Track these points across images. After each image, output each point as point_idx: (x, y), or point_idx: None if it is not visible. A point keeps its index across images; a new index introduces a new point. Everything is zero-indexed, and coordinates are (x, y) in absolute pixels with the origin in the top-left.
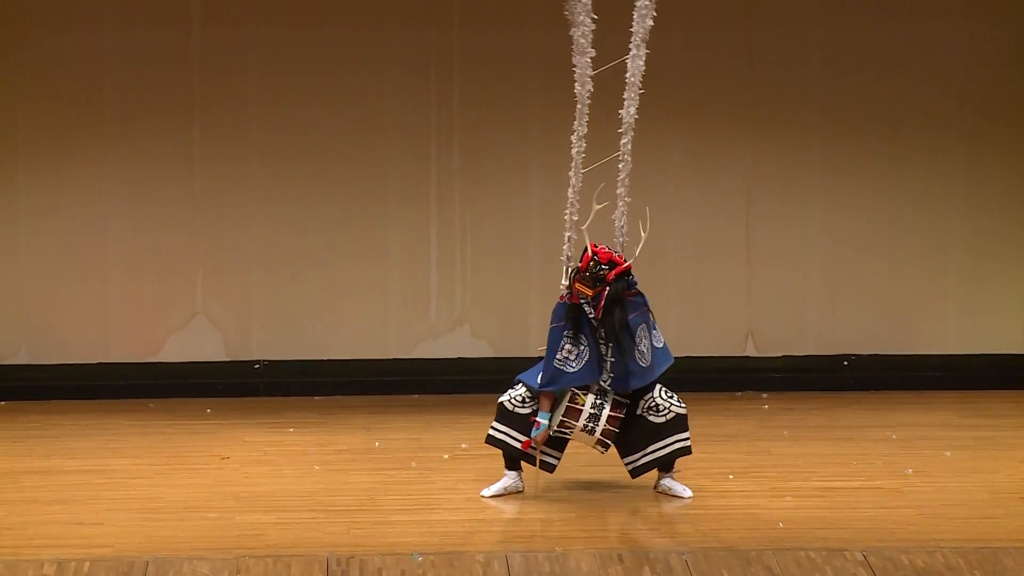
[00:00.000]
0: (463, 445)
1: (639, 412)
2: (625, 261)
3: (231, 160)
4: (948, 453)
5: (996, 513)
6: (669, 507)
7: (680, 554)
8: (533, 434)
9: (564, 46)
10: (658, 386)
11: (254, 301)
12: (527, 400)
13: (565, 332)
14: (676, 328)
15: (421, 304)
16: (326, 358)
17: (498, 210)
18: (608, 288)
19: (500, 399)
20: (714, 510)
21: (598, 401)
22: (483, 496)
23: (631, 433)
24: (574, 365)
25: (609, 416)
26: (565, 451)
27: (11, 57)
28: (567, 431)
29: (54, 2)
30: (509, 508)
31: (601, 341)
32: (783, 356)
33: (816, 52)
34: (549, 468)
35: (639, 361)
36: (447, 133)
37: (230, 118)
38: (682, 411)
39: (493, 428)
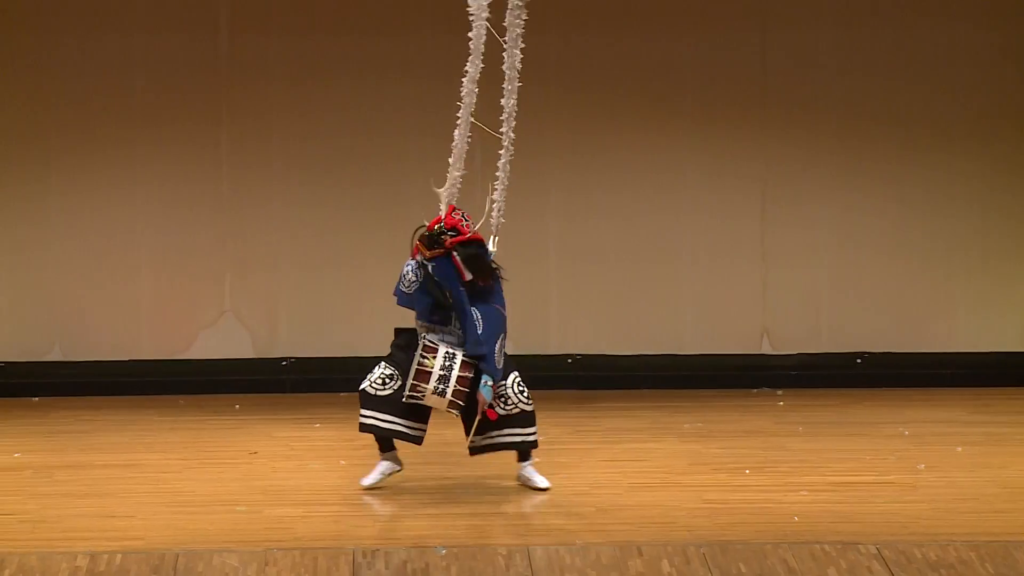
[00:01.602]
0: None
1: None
2: (471, 233)
3: (258, 163)
4: (959, 449)
5: (1007, 507)
6: (687, 502)
7: (698, 547)
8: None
9: (582, 51)
10: (513, 375)
11: (281, 300)
12: (387, 381)
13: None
14: (693, 326)
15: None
16: (351, 355)
17: (518, 211)
18: (455, 252)
19: (361, 386)
20: (731, 504)
21: (447, 363)
22: (363, 485)
23: (478, 422)
24: (405, 288)
25: (459, 377)
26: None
27: (44, 61)
28: (419, 394)
29: (86, 8)
30: (529, 502)
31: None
32: (798, 354)
33: (828, 56)
34: (417, 441)
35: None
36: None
37: (257, 122)
38: (528, 408)
39: (362, 415)
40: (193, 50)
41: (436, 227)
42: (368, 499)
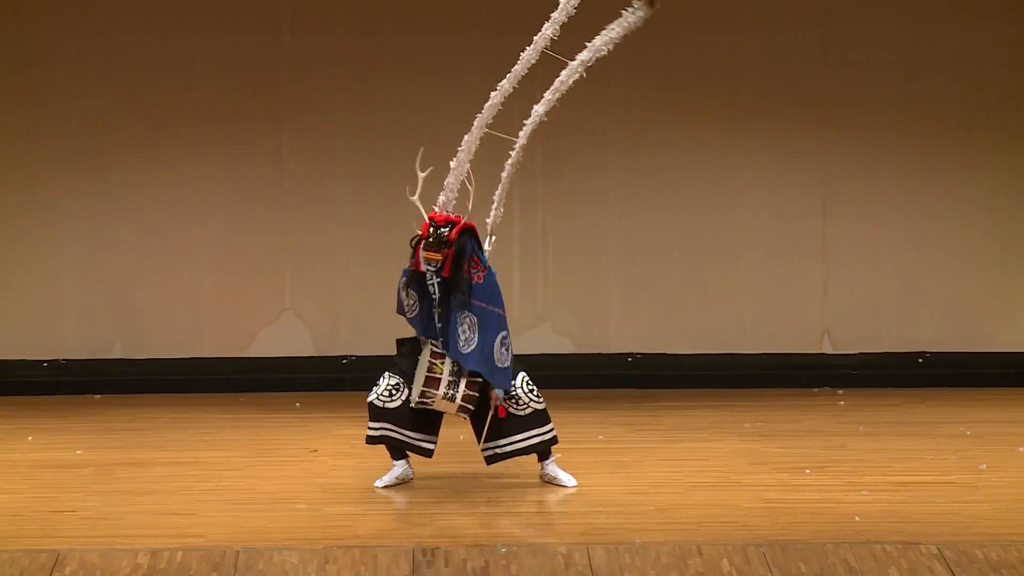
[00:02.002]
0: None
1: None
2: (463, 219)
3: (319, 161)
4: (1021, 449)
5: None
6: (747, 501)
7: (758, 547)
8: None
9: (645, 50)
10: (521, 375)
11: (341, 298)
12: (394, 392)
13: (403, 279)
14: (753, 325)
15: (504, 301)
16: None
17: (579, 209)
18: (454, 246)
19: (369, 399)
20: (791, 504)
21: (456, 367)
22: (377, 487)
23: (491, 424)
24: (408, 314)
25: (468, 382)
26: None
27: (107, 60)
28: (428, 400)
29: (149, 7)
30: (589, 501)
31: (435, 307)
32: (859, 353)
33: (890, 54)
34: (427, 453)
35: (459, 336)
36: (529, 135)
37: (318, 121)
38: (540, 407)
39: (370, 428)
40: (255, 49)
41: (431, 231)
42: (428, 497)
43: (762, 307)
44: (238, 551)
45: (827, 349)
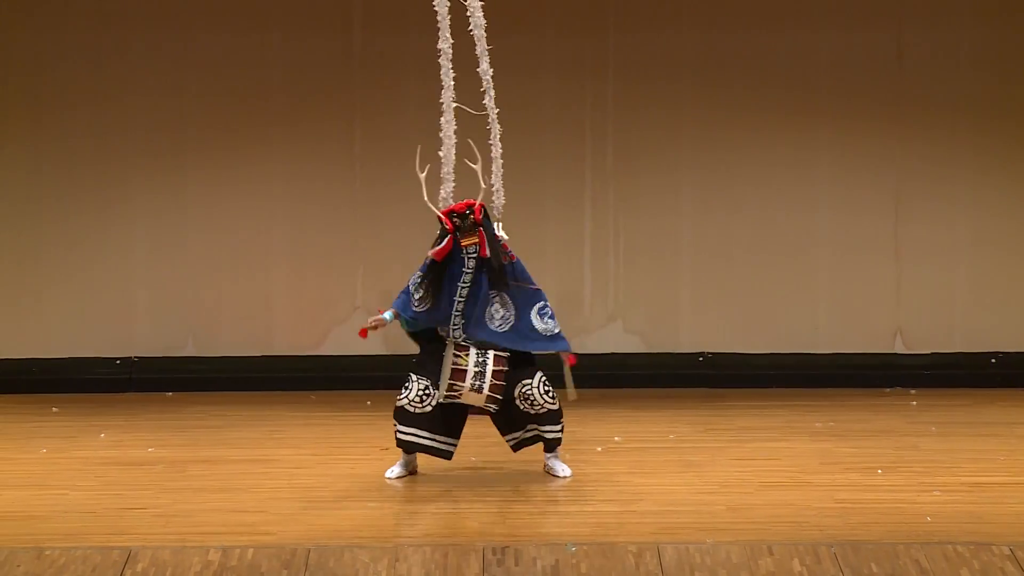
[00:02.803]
0: (616, 438)
1: (514, 396)
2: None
3: (391, 160)
4: None
5: None
6: (818, 501)
7: (829, 547)
8: (370, 321)
9: (717, 47)
10: (539, 375)
11: None
12: (424, 397)
13: (421, 273)
14: (825, 325)
15: (575, 300)
16: None
17: (651, 208)
18: (482, 227)
19: (399, 403)
20: (862, 504)
21: (481, 359)
22: (388, 478)
23: (507, 416)
24: (417, 308)
25: (494, 371)
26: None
27: (179, 58)
28: (456, 393)
29: (221, 6)
30: (660, 500)
31: (459, 295)
32: (931, 353)
33: (965, 53)
34: (447, 456)
35: (493, 316)
36: (601, 134)
37: (390, 120)
38: (554, 407)
39: (400, 432)
40: (328, 48)
41: (456, 219)
42: (498, 496)
43: (834, 307)
44: (309, 549)
45: (899, 349)
